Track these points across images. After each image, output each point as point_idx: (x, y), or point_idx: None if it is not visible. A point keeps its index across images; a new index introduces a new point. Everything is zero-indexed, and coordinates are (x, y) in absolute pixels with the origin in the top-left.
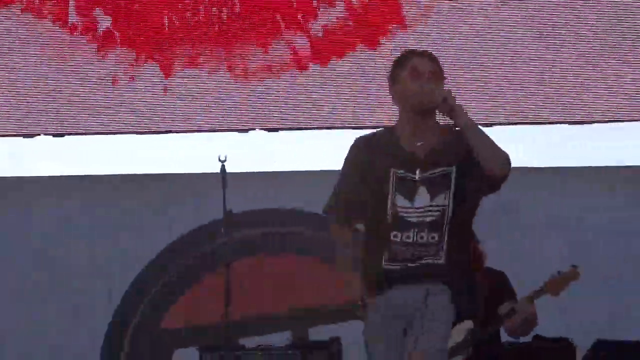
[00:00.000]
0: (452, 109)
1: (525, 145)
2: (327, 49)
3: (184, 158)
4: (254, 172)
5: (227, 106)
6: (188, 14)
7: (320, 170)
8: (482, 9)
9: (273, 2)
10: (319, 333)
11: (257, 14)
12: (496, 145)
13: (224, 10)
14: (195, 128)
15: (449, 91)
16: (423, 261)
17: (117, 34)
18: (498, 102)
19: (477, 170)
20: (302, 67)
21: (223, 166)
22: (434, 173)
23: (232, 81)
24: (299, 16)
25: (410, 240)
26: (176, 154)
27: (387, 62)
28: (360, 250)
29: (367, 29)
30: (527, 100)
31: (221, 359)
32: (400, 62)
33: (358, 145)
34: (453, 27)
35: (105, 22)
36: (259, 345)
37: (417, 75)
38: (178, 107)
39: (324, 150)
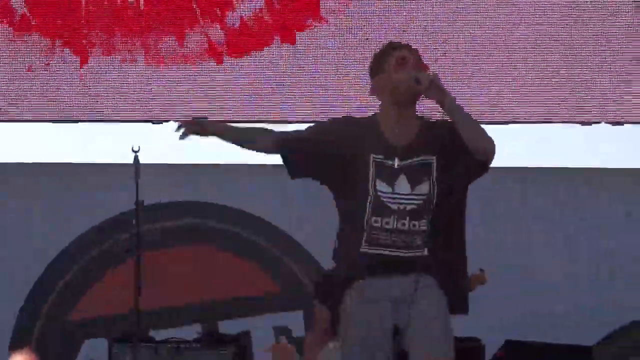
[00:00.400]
0: (439, 91)
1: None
2: (243, 41)
3: (97, 147)
4: (168, 164)
5: (142, 96)
6: (105, 1)
7: (235, 164)
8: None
9: None
10: (230, 326)
11: (174, 3)
12: (480, 126)
13: None
14: (109, 117)
15: (435, 74)
16: (404, 252)
17: (33, 20)
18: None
19: (462, 158)
20: (218, 59)
21: (136, 156)
22: (414, 161)
23: (148, 70)
24: (217, 9)
25: (390, 226)
26: (90, 143)
27: (305, 57)
28: (337, 235)
29: (284, 23)
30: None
31: (131, 351)
32: (383, 53)
33: (342, 120)
34: (368, 22)
35: (21, 8)
36: (169, 338)
37: (402, 64)
38: (93, 96)
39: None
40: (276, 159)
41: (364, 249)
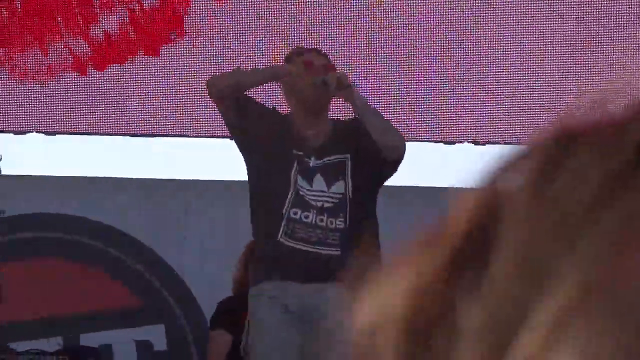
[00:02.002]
0: (347, 90)
1: None
2: (107, 53)
3: None
4: (29, 175)
5: (4, 107)
6: None
7: (96, 177)
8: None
9: (54, 3)
10: (92, 339)
11: (38, 15)
12: (390, 124)
13: (3, 9)
14: None
15: (342, 73)
16: (318, 248)
17: None
18: None
19: (374, 155)
20: (82, 71)
21: None
22: (328, 160)
23: (10, 81)
24: (80, 19)
25: (309, 220)
26: None
27: (168, 70)
28: (252, 227)
29: (149, 36)
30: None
31: None
32: (290, 58)
33: (273, 111)
34: (234, 33)
35: None
36: (29, 350)
37: (311, 68)
38: None
39: (102, 157)
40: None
41: (282, 239)
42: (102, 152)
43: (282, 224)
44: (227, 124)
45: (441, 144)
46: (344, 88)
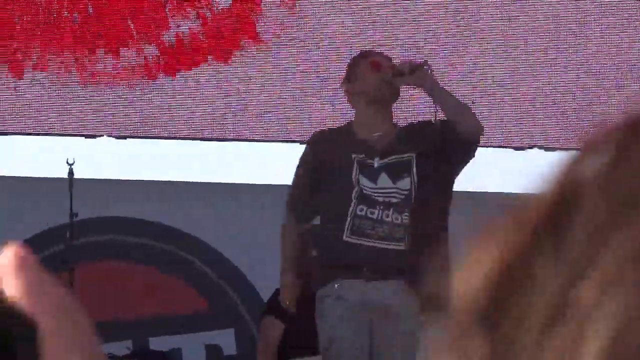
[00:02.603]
0: (420, 75)
1: None
2: (177, 59)
3: (32, 161)
4: (101, 179)
5: (76, 111)
6: (40, 15)
7: (165, 181)
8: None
9: (126, 8)
10: (162, 343)
11: (109, 20)
12: (466, 106)
13: (76, 13)
14: (45, 131)
15: (411, 62)
16: (385, 243)
17: None
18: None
19: (445, 147)
20: (152, 77)
21: (71, 169)
22: (393, 159)
23: (82, 86)
24: (151, 24)
25: (375, 216)
26: (25, 156)
27: (240, 76)
28: (315, 227)
29: (220, 42)
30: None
31: None
32: (356, 61)
33: (315, 140)
34: (303, 43)
35: None
36: None
37: (377, 68)
38: (27, 109)
39: (172, 161)
40: (209, 177)
41: (347, 238)
42: (172, 156)
43: (348, 222)
44: None
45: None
46: (417, 69)
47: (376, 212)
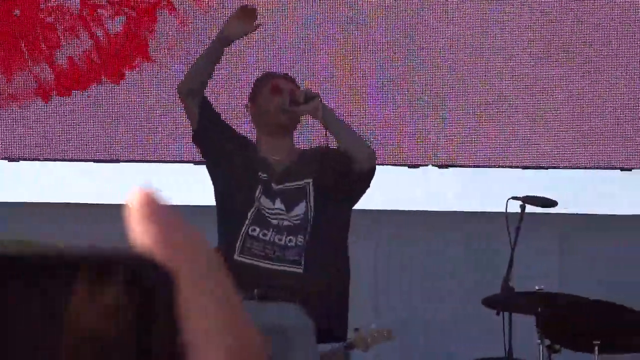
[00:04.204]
0: (314, 104)
1: None
2: (71, 80)
3: None
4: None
5: None
6: None
7: (62, 203)
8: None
9: (17, 29)
10: None
11: (1, 41)
12: (359, 137)
13: None
14: None
15: (308, 89)
16: (277, 264)
17: None
18: None
19: (341, 175)
20: (45, 98)
21: None
22: (289, 186)
23: None
24: (43, 45)
25: (267, 238)
26: None
27: (131, 96)
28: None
29: (113, 62)
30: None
31: None
32: (260, 82)
33: (239, 134)
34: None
35: None
36: None
37: (278, 92)
38: None
39: (66, 182)
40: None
41: (238, 257)
42: (68, 178)
43: (239, 241)
44: (196, 131)
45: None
46: (312, 98)
47: (269, 233)
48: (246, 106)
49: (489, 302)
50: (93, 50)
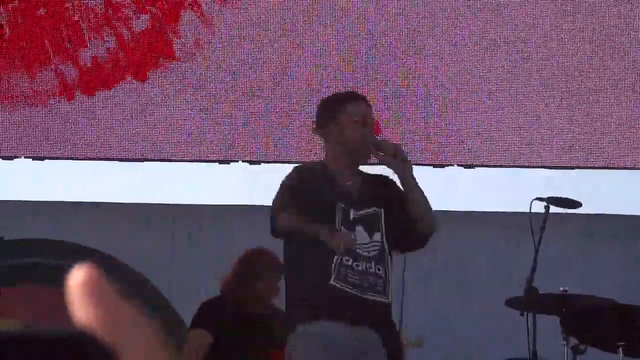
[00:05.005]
0: (402, 164)
1: None
2: (95, 78)
3: None
4: (19, 200)
5: None
6: None
7: (84, 202)
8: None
9: (42, 28)
10: None
11: (26, 39)
12: (429, 204)
13: None
14: None
15: (398, 145)
16: (370, 294)
17: None
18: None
19: (403, 222)
20: (69, 96)
21: None
22: (367, 212)
23: None
24: (68, 44)
25: (360, 268)
26: None
27: (156, 95)
28: (293, 274)
29: (137, 61)
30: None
31: None
32: (337, 103)
33: (301, 172)
34: (227, 61)
35: None
36: None
37: (360, 122)
38: None
39: (93, 181)
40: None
41: (333, 282)
42: (90, 177)
43: (334, 269)
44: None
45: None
46: (403, 161)
47: (360, 264)
48: (314, 130)
49: (513, 303)
50: (118, 49)
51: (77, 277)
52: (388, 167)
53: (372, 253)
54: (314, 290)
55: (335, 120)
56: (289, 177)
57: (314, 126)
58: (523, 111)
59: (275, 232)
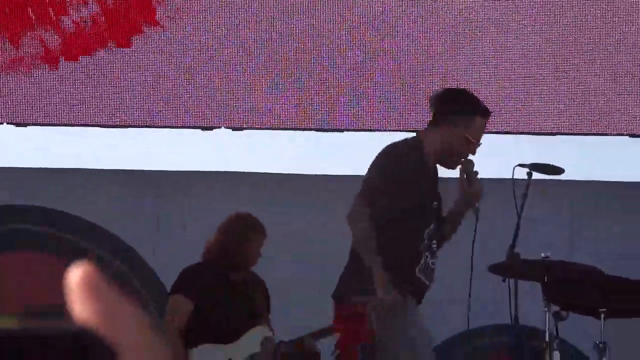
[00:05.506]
0: (479, 190)
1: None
2: (78, 44)
3: None
4: (2, 167)
5: None
6: None
7: (66, 168)
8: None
9: None
10: None
11: (9, 7)
12: None
13: None
14: None
15: (482, 187)
16: (428, 283)
17: None
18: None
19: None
20: (53, 63)
21: None
22: (439, 206)
23: None
24: (50, 11)
25: (433, 266)
26: None
27: (139, 61)
28: (390, 255)
29: (119, 26)
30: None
31: None
32: (472, 112)
33: (406, 162)
34: (210, 28)
35: None
36: None
37: (474, 145)
38: None
39: (75, 149)
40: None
41: (419, 274)
42: (74, 143)
43: (422, 262)
44: None
45: None
46: (479, 190)
47: (433, 261)
48: (436, 110)
49: (496, 269)
50: (100, 15)
51: (75, 274)
52: (465, 198)
53: (434, 247)
54: (400, 273)
55: (458, 126)
56: (390, 166)
57: (434, 108)
58: (513, 78)
59: (350, 221)
